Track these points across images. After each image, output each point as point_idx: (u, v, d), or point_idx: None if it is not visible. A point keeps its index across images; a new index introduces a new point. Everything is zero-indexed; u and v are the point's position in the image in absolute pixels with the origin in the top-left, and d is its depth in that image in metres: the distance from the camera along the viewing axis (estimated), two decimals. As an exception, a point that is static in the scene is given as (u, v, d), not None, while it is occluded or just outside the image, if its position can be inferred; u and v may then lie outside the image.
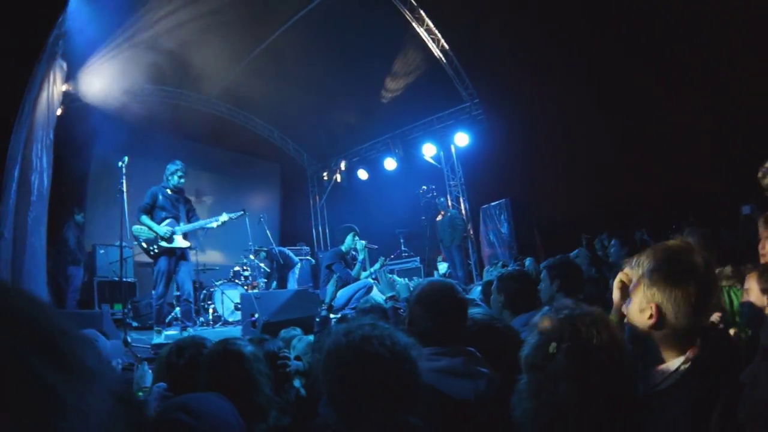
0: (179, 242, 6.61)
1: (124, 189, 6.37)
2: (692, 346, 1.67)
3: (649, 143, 8.73)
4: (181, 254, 6.72)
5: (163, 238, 6.48)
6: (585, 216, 9.18)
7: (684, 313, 1.72)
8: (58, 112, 3.56)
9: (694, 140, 8.15)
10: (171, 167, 6.74)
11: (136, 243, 6.82)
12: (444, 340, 2.18)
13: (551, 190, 9.92)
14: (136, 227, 6.60)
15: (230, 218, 7.07)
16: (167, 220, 6.57)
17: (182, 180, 6.81)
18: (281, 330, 4.15)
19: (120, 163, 6.40)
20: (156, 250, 6.53)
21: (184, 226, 6.66)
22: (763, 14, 6.69)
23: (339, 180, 13.91)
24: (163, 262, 6.54)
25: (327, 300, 4.32)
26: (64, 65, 3.64)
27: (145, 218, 6.52)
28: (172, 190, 6.76)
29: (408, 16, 9.65)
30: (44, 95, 3.20)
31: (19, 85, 2.53)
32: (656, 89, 8.33)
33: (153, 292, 6.80)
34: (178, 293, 6.98)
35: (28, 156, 2.69)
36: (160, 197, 6.65)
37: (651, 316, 1.75)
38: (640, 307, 1.81)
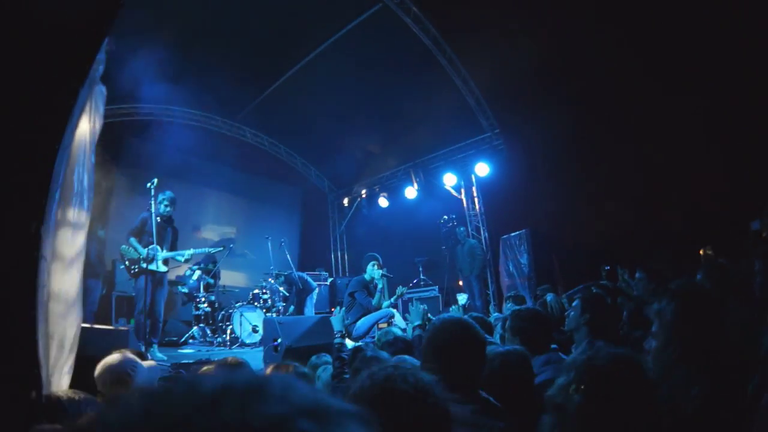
0: (159, 266, 7.07)
1: (152, 210, 6.72)
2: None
3: (667, 170, 8.73)
4: (159, 278, 7.17)
5: (144, 260, 6.92)
6: (605, 247, 9.15)
7: (702, 348, 1.94)
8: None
9: (708, 162, 8.16)
10: (160, 196, 7.18)
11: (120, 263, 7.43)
12: (456, 385, 1.97)
13: (571, 221, 9.87)
14: (124, 247, 7.17)
15: (207, 251, 8.12)
16: (152, 245, 7.00)
17: (168, 209, 7.30)
18: (312, 356, 4.18)
19: (149, 185, 6.78)
20: (136, 270, 7.03)
21: (164, 253, 7.13)
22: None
23: (359, 207, 14.04)
24: (142, 282, 6.94)
25: (336, 328, 4.39)
26: (104, 90, 3.77)
27: (132, 240, 7.09)
28: (161, 218, 7.16)
29: (431, 47, 9.80)
30: (85, 119, 3.32)
31: (63, 112, 2.63)
32: (676, 116, 8.34)
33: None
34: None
35: (70, 179, 2.79)
36: (149, 223, 7.05)
37: (674, 351, 1.97)
38: (664, 345, 2.04)
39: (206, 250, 8.04)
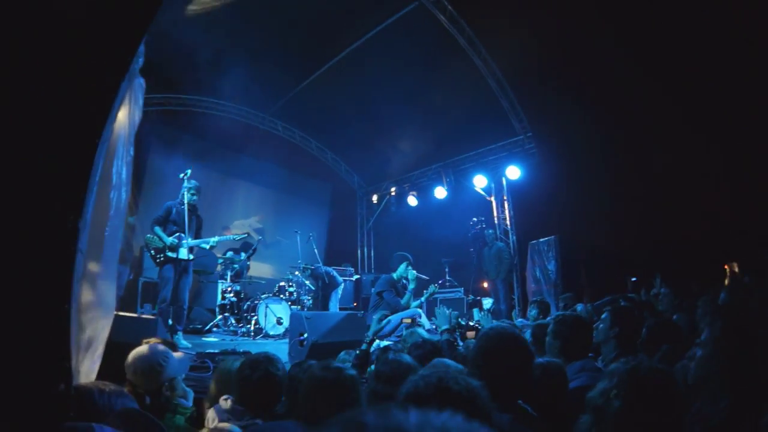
0: (183, 254, 7.06)
1: (185, 200, 6.81)
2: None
3: (700, 183, 8.56)
4: (184, 266, 7.14)
5: (169, 248, 6.94)
6: (633, 258, 9.02)
7: (739, 365, 2.04)
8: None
9: (742, 177, 8.00)
10: (186, 185, 7.18)
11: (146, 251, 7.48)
12: (500, 394, 2.11)
13: (600, 230, 9.74)
14: (149, 236, 7.17)
15: (232, 239, 7.88)
16: (176, 233, 7.03)
17: (194, 197, 7.27)
18: (340, 352, 4.19)
19: (182, 175, 6.87)
20: (162, 259, 7.03)
21: (190, 241, 7.11)
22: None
23: (388, 204, 14.05)
24: (168, 271, 6.98)
25: (370, 333, 4.42)
26: (143, 82, 3.81)
27: (158, 229, 7.05)
28: (187, 206, 7.15)
29: (466, 47, 9.72)
30: (125, 112, 3.37)
31: (104, 106, 2.67)
32: (707, 129, 8.18)
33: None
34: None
35: (108, 172, 2.83)
36: (174, 211, 7.14)
37: (716, 363, 2.11)
38: (708, 355, 2.19)
39: (231, 237, 8.04)
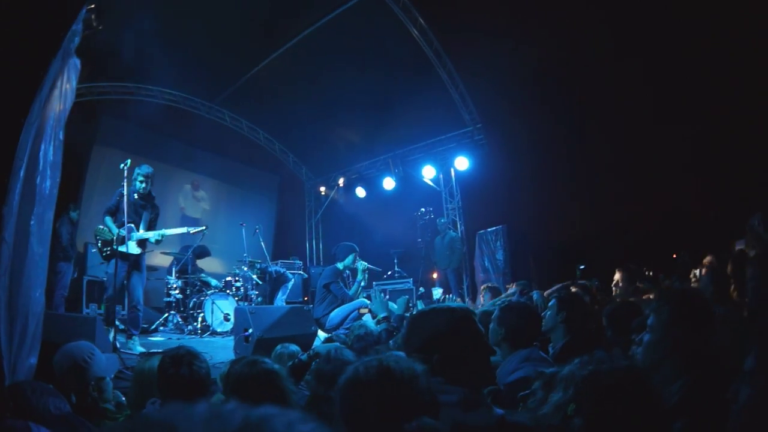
0: (131, 248, 6.48)
1: (125, 192, 6.29)
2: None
3: (648, 172, 8.80)
4: (135, 261, 6.58)
5: (115, 241, 6.35)
6: (580, 246, 9.21)
7: (689, 348, 2.13)
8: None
9: (693, 170, 8.25)
10: (136, 170, 6.64)
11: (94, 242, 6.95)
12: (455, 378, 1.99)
13: (548, 219, 9.93)
14: (99, 227, 6.61)
15: (186, 231, 7.30)
16: (127, 225, 6.43)
17: (143, 185, 6.67)
18: (277, 345, 4.03)
19: (122, 165, 6.30)
20: (108, 252, 6.47)
21: (140, 233, 6.53)
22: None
23: (336, 196, 13.93)
24: (114, 266, 6.29)
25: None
26: (78, 63, 3.57)
27: (108, 219, 6.51)
28: (138, 195, 6.67)
29: (418, 38, 9.67)
30: (56, 93, 3.12)
31: (32, 84, 2.46)
32: (658, 118, 8.41)
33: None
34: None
35: (35, 156, 2.60)
36: (123, 201, 6.51)
37: (666, 347, 2.19)
38: (657, 340, 2.25)
39: (186, 229, 7.31)
